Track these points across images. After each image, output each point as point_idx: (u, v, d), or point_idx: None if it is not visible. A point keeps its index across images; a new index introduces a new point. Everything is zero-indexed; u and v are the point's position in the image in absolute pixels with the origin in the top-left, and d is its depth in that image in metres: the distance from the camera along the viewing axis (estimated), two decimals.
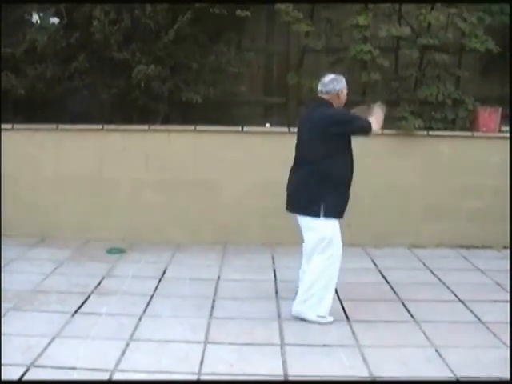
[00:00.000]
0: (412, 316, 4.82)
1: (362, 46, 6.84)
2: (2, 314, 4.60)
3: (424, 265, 6.32)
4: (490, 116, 7.03)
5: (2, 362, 3.78)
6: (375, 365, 3.91)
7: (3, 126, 6.88)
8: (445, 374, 3.81)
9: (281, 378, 3.74)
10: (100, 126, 6.96)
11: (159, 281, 5.61)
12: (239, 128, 6.97)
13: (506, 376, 3.75)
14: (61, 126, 6.98)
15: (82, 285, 5.39)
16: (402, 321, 4.74)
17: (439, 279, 5.82)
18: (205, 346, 4.18)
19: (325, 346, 4.23)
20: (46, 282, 5.49)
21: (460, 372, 3.82)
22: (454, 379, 3.75)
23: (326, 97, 4.64)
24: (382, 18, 7.21)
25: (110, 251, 6.52)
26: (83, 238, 6.91)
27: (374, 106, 4.81)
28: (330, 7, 7.42)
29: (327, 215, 4.52)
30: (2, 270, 5.72)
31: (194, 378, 3.71)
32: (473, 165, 6.95)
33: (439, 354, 4.10)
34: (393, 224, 6.98)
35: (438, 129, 7.06)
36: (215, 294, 5.27)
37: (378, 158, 6.80)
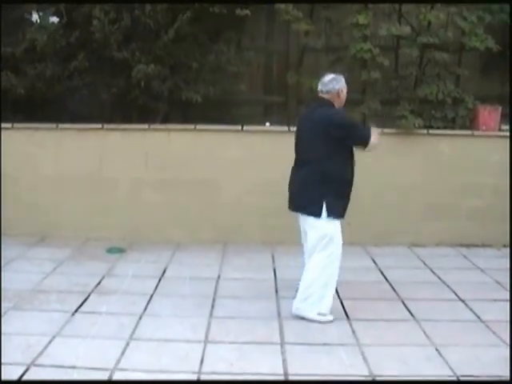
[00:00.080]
0: (412, 315, 4.82)
1: (362, 44, 6.84)
2: (2, 314, 4.60)
3: (424, 263, 6.32)
4: (489, 115, 7.03)
5: (2, 361, 3.78)
6: (375, 363, 3.92)
7: (3, 125, 6.89)
8: (445, 373, 3.81)
9: (281, 377, 3.74)
10: (100, 126, 6.96)
11: (159, 280, 5.61)
12: (239, 127, 6.97)
13: (506, 374, 3.76)
14: (61, 126, 6.98)
15: (82, 284, 5.39)
16: (402, 319, 4.75)
17: (439, 278, 5.82)
18: (205, 345, 4.18)
19: (325, 344, 4.23)
20: (46, 281, 5.49)
21: (460, 371, 3.82)
22: (454, 378, 3.75)
23: (326, 96, 4.68)
24: (381, 16, 7.21)
25: (110, 250, 6.52)
26: (83, 238, 6.91)
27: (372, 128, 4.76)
28: (330, 6, 7.41)
29: (330, 215, 4.54)
30: (2, 269, 5.72)
31: (194, 377, 3.71)
32: (473, 163, 6.95)
33: (439, 352, 4.10)
34: (393, 223, 6.98)
35: (438, 127, 7.06)
36: (215, 293, 5.27)
37: (378, 156, 6.75)
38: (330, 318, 4.65)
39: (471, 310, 4.95)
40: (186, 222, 7.02)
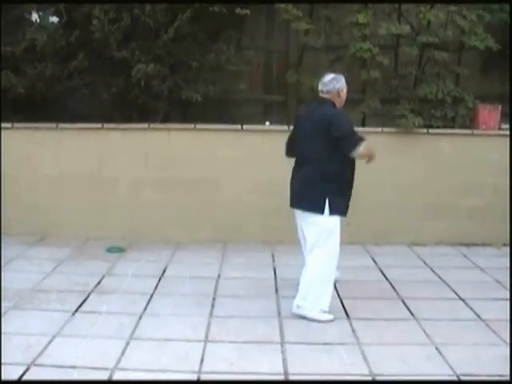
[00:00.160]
0: (412, 314, 4.82)
1: (362, 43, 6.83)
2: (2, 313, 4.60)
3: (424, 263, 6.32)
4: (489, 114, 7.02)
5: (2, 360, 3.78)
6: (375, 362, 3.92)
7: (3, 124, 6.88)
8: (445, 372, 3.81)
9: (281, 376, 3.74)
10: (100, 125, 6.96)
11: (159, 279, 5.61)
12: (239, 126, 6.97)
13: (506, 373, 3.76)
14: (60, 125, 6.98)
15: (82, 283, 5.39)
16: (402, 318, 4.75)
17: (439, 277, 5.82)
18: (205, 344, 4.18)
19: (325, 343, 4.23)
20: (46, 280, 5.49)
21: (460, 370, 3.82)
22: (454, 377, 3.75)
23: (326, 96, 4.73)
24: (381, 15, 7.20)
25: (110, 250, 6.52)
26: (83, 237, 6.91)
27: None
28: (330, 5, 7.40)
29: (332, 212, 4.59)
30: (2, 268, 5.72)
31: (194, 376, 3.71)
32: (473, 163, 6.95)
33: (439, 351, 4.11)
34: (393, 222, 6.98)
35: (438, 127, 7.06)
36: (215, 293, 5.27)
37: (378, 156, 6.67)
38: (330, 317, 4.66)
39: (471, 308, 4.95)
40: (185, 222, 7.02)
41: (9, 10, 6.96)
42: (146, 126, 6.99)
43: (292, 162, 4.94)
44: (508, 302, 5.07)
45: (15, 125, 6.96)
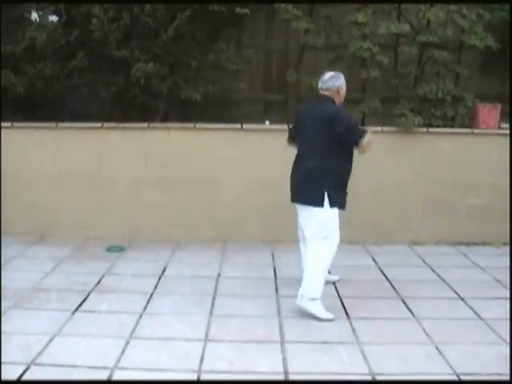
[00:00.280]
0: (412, 313, 4.82)
1: (362, 43, 6.83)
2: (2, 312, 4.60)
3: (424, 262, 6.32)
4: (489, 113, 7.02)
5: (2, 360, 3.78)
6: (375, 362, 3.92)
7: (3, 124, 6.88)
8: (445, 371, 3.81)
9: (281, 376, 3.74)
10: (99, 124, 6.96)
11: (159, 279, 5.61)
12: (239, 125, 6.96)
13: (506, 372, 3.76)
14: (60, 124, 6.97)
15: (82, 283, 5.39)
16: (401, 318, 4.75)
17: (439, 276, 5.82)
18: (205, 343, 4.18)
19: (325, 342, 4.23)
20: (46, 280, 5.50)
21: (460, 369, 3.82)
22: (453, 376, 3.75)
23: (326, 93, 4.82)
24: (381, 15, 7.19)
25: (110, 249, 6.52)
26: (83, 236, 6.91)
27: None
28: (330, 4, 7.40)
29: (332, 205, 4.67)
30: (2, 268, 5.72)
31: (194, 375, 3.71)
32: (472, 162, 6.95)
33: (439, 350, 4.11)
34: (392, 221, 6.98)
35: (438, 126, 7.05)
36: (215, 292, 5.27)
37: (378, 155, 6.75)
38: (331, 316, 4.67)
39: (471, 308, 4.95)
40: (185, 221, 7.02)
41: (8, 9, 6.95)
42: (145, 125, 6.99)
43: (292, 159, 4.98)
44: (508, 301, 5.07)
45: (15, 124, 6.96)
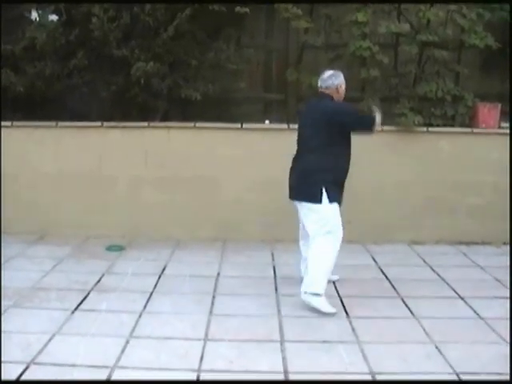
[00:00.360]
0: (412, 312, 4.82)
1: (362, 42, 6.83)
2: (2, 312, 4.60)
3: (424, 261, 6.32)
4: (489, 112, 7.02)
5: (2, 359, 3.78)
6: (375, 361, 3.92)
7: (3, 123, 6.88)
8: (444, 370, 3.81)
9: (281, 375, 3.74)
10: (99, 123, 6.96)
11: (159, 278, 5.61)
12: (238, 125, 6.96)
13: (506, 372, 3.75)
14: (60, 124, 6.97)
15: (82, 282, 5.39)
16: (401, 317, 4.75)
17: (439, 275, 5.82)
18: (205, 342, 4.18)
19: (325, 342, 4.23)
20: (46, 279, 5.49)
21: (460, 368, 3.82)
22: (453, 375, 3.75)
23: (325, 92, 4.89)
24: (381, 14, 7.19)
25: (110, 248, 6.52)
26: (83, 236, 6.91)
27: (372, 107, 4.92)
28: (330, 4, 7.39)
29: (331, 200, 4.72)
30: (2, 267, 5.72)
31: (193, 374, 3.71)
32: (472, 161, 6.95)
33: (439, 350, 4.11)
34: (392, 220, 6.97)
35: (438, 125, 7.05)
36: (215, 291, 5.27)
37: (378, 154, 6.80)
38: (333, 310, 4.72)
39: (471, 307, 4.95)
40: (185, 220, 7.02)
41: (8, 8, 6.95)
42: (145, 124, 6.99)
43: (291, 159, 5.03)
44: (508, 301, 5.07)
45: (15, 123, 6.96)
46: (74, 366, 3.76)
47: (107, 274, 5.67)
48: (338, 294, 5.17)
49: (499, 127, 7.04)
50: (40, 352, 3.95)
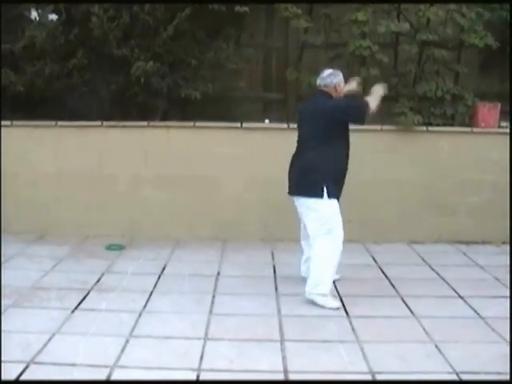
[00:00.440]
0: (411, 311, 4.82)
1: (361, 41, 6.84)
2: (2, 311, 4.60)
3: (423, 260, 6.32)
4: (489, 112, 7.01)
5: (2, 358, 3.78)
6: (375, 360, 3.92)
7: (2, 122, 6.87)
8: (444, 369, 3.81)
9: (281, 374, 3.74)
10: (99, 123, 6.96)
11: (159, 277, 5.61)
12: (238, 124, 6.96)
13: (506, 371, 3.75)
14: (60, 123, 6.97)
15: (82, 281, 5.39)
16: (401, 316, 4.75)
17: (438, 275, 5.82)
18: (204, 342, 4.18)
19: (324, 341, 4.23)
20: (46, 278, 5.49)
21: (460, 367, 3.82)
22: (453, 374, 3.75)
23: (324, 90, 4.97)
24: (381, 13, 7.19)
25: (110, 248, 6.52)
26: (82, 235, 6.91)
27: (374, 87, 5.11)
28: (329, 3, 7.39)
29: (330, 196, 4.75)
30: (2, 266, 5.72)
31: (193, 374, 3.71)
32: (472, 160, 6.95)
33: (439, 349, 4.11)
34: (392, 220, 6.97)
35: (437, 124, 7.05)
36: (215, 290, 5.27)
37: (377, 153, 6.81)
38: (337, 304, 4.81)
39: (471, 306, 4.95)
40: (185, 219, 7.02)
41: (8, 7, 6.95)
42: (145, 123, 6.98)
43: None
44: (507, 300, 5.07)
45: (14, 122, 6.96)
46: (73, 365, 3.76)
47: (107, 274, 5.66)
48: (338, 293, 5.16)
49: (499, 126, 7.04)
50: (40, 351, 3.95)
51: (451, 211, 6.98)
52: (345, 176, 4.97)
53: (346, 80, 5.05)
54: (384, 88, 5.13)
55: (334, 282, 5.35)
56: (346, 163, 4.96)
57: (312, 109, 4.96)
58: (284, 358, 3.94)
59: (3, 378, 3.57)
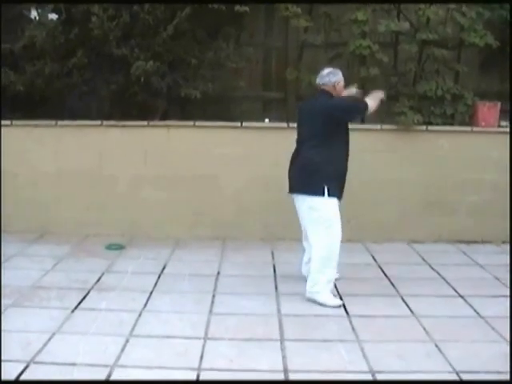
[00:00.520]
0: (411, 311, 4.82)
1: (361, 41, 6.84)
2: (2, 311, 4.60)
3: (423, 260, 6.32)
4: (489, 111, 7.01)
5: (2, 358, 3.78)
6: (375, 359, 3.92)
7: (2, 122, 6.87)
8: (444, 369, 3.81)
9: (281, 374, 3.74)
10: (99, 122, 6.96)
11: (159, 277, 5.61)
12: (238, 123, 6.96)
13: (506, 370, 3.75)
14: (60, 122, 6.97)
15: (82, 281, 5.39)
16: (401, 315, 4.75)
17: (439, 274, 5.82)
18: (204, 341, 4.18)
19: (324, 340, 4.23)
20: (46, 278, 5.49)
21: (460, 367, 3.82)
22: (453, 374, 3.75)
23: (323, 88, 4.98)
24: (380, 12, 7.19)
25: (110, 247, 6.51)
26: (82, 234, 6.91)
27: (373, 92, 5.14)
28: (329, 3, 7.39)
29: (331, 194, 4.76)
30: (2, 266, 5.72)
31: (193, 373, 3.71)
32: (472, 160, 6.94)
33: (439, 348, 4.11)
34: (392, 219, 6.97)
35: (437, 124, 7.05)
36: (215, 290, 5.27)
37: (377, 153, 6.80)
38: (339, 302, 4.82)
39: (471, 306, 4.95)
40: (185, 219, 7.02)
41: (8, 7, 6.95)
42: (145, 123, 6.98)
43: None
44: (507, 299, 5.07)
45: (14, 122, 6.96)
46: (73, 364, 3.76)
47: (107, 273, 5.66)
48: (338, 292, 5.16)
49: (499, 126, 7.04)
50: (40, 351, 3.95)
51: (451, 210, 6.98)
52: (345, 174, 4.98)
53: (346, 79, 5.04)
54: (384, 94, 5.15)
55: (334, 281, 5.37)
56: (346, 162, 4.97)
57: (312, 107, 4.97)
58: (284, 358, 3.94)
59: (3, 377, 3.57)
